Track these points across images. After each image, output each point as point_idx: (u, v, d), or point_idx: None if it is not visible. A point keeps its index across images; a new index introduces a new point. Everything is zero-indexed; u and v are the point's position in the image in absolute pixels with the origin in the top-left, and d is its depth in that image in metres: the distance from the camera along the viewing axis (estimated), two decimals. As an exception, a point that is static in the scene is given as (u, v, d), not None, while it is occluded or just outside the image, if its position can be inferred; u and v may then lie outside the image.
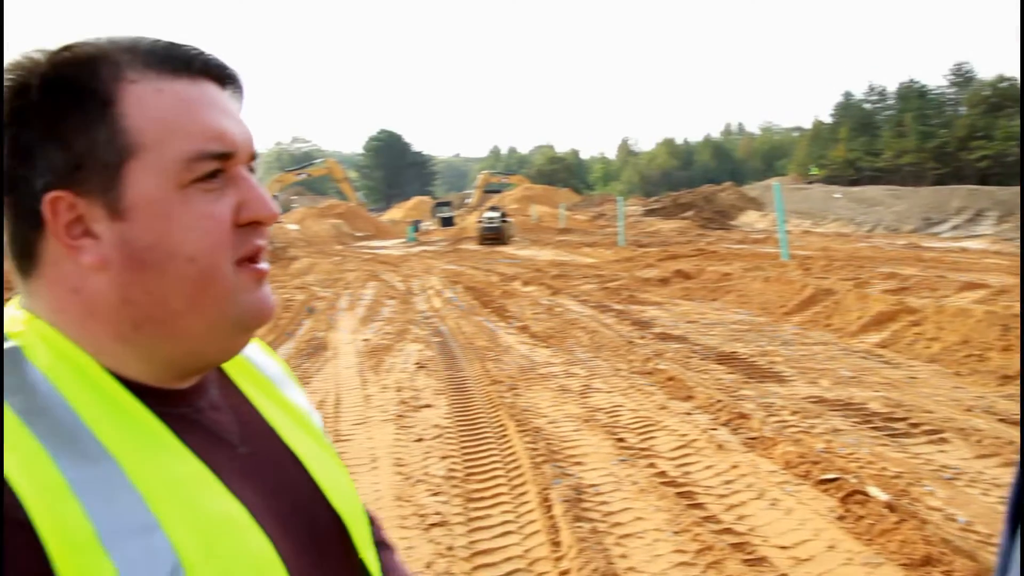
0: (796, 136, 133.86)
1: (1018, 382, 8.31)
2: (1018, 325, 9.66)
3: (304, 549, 0.87)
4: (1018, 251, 27.89)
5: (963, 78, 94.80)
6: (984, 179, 70.49)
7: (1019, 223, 30.80)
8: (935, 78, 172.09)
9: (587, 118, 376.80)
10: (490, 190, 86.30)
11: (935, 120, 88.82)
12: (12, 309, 0.84)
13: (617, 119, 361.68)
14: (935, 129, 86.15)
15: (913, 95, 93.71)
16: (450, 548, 4.63)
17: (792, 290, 14.26)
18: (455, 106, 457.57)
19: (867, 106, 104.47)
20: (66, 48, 0.79)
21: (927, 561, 4.17)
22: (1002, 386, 8.20)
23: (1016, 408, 7.35)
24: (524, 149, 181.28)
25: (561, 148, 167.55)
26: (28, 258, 0.82)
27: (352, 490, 1.01)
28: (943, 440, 6.39)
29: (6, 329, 0.81)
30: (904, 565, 4.20)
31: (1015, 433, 6.50)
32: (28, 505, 0.66)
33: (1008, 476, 5.51)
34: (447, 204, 67.05)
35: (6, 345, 0.78)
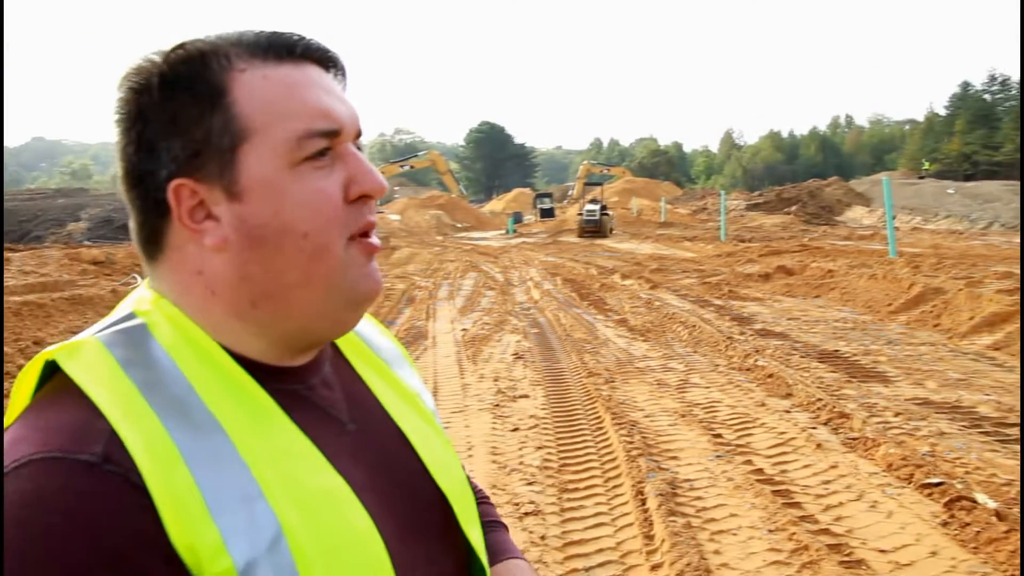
0: (907, 129, 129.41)
1: None
2: None
3: (406, 525, 0.90)
4: None
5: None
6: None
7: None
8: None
9: (690, 110, 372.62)
10: (591, 182, 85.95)
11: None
12: (142, 290, 0.92)
13: (721, 111, 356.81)
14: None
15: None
16: (543, 537, 4.68)
17: (899, 288, 13.86)
18: (557, 98, 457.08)
19: (987, 97, 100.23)
20: (179, 47, 0.85)
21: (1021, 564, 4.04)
22: (1123, 392, 7.84)
23: None
24: (626, 142, 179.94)
25: (663, 141, 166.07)
26: (155, 244, 0.89)
27: (458, 469, 1.05)
28: (1057, 447, 6.16)
29: (135, 307, 0.88)
30: None
31: None
32: (143, 470, 0.72)
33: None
34: (548, 196, 67.05)
35: (135, 322, 0.85)
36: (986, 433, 6.50)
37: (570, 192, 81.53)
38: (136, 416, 0.75)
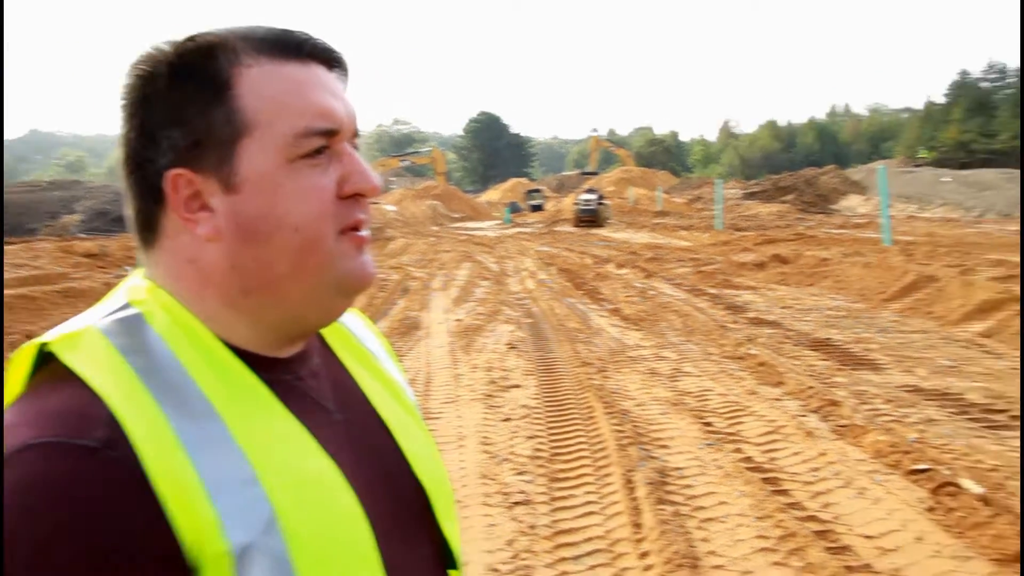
0: (906, 117, 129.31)
1: None
2: None
3: (389, 513, 0.92)
4: None
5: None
6: (1106, 163, 66.99)
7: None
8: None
9: (688, 100, 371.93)
10: (587, 172, 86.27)
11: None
12: (137, 279, 0.93)
13: (719, 101, 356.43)
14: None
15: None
16: (532, 527, 4.71)
17: (892, 276, 13.88)
18: (554, 88, 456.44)
19: (985, 85, 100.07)
20: (190, 39, 0.87)
21: (1020, 557, 4.07)
22: (1112, 379, 7.87)
23: None
24: (623, 131, 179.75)
25: (660, 130, 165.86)
26: (150, 231, 0.90)
27: (438, 463, 1.06)
28: (1045, 434, 6.18)
29: (130, 296, 0.89)
30: (996, 560, 4.10)
31: (1123, 428, 6.25)
32: (144, 455, 0.73)
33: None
34: (538, 191, 67.25)
35: (131, 311, 0.87)
36: (974, 420, 6.53)
37: (586, 170, 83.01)
38: (137, 403, 0.77)
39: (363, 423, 0.99)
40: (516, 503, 5.04)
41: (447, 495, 1.05)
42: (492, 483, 5.39)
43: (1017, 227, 32.58)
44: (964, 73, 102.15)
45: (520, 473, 5.57)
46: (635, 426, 6.43)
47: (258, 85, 0.87)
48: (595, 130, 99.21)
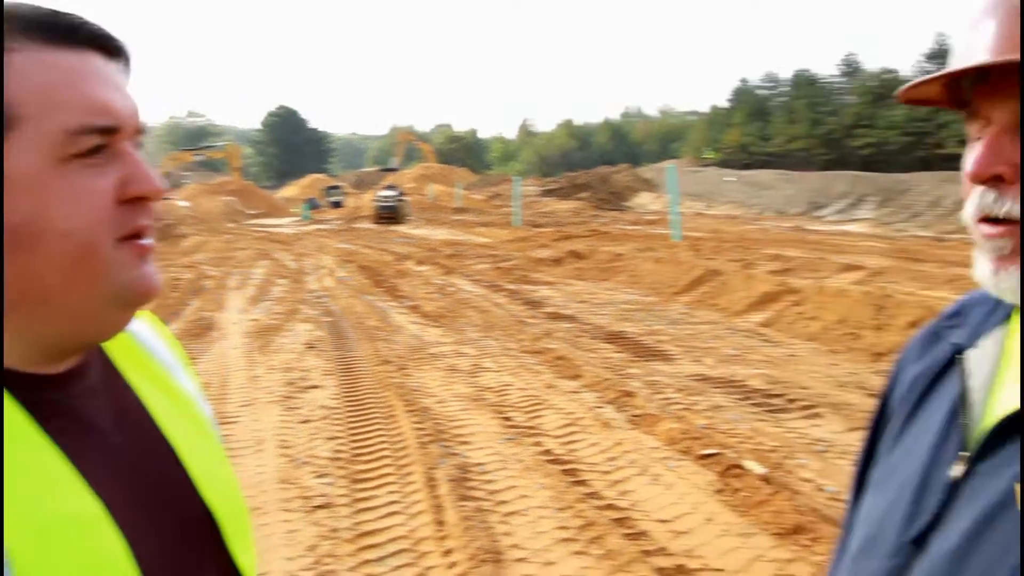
0: (693, 120, 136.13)
1: (889, 359, 8.67)
2: (890, 305, 10.08)
3: (169, 546, 0.83)
4: (893, 234, 29.07)
5: (851, 69, 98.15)
6: (867, 166, 73.34)
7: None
8: (826, 68, 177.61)
9: (487, 98, 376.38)
10: (386, 169, 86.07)
11: (824, 108, 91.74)
12: None
13: (518, 99, 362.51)
14: (824, 117, 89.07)
15: (805, 83, 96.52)
16: (334, 530, 4.60)
17: (682, 270, 14.56)
18: (354, 83, 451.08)
19: (761, 92, 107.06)
20: None
21: (797, 530, 4.34)
22: (874, 362, 8.56)
23: (883, 383, 7.67)
24: (423, 128, 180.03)
25: (460, 127, 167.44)
26: None
27: (231, 483, 0.96)
28: (817, 415, 6.64)
29: None
30: (776, 534, 4.36)
31: (884, 408, 6.79)
32: None
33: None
34: (337, 187, 66.47)
35: None
36: (756, 405, 6.93)
37: (391, 165, 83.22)
38: None
39: (144, 445, 0.89)
40: (317, 507, 4.92)
41: (240, 517, 0.95)
42: (292, 487, 5.23)
43: (791, 223, 35.01)
44: (744, 81, 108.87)
45: (321, 476, 5.44)
46: (436, 423, 6.42)
47: (24, 74, 0.75)
48: (407, 126, 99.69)
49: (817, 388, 7.46)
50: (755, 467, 5.25)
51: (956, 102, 0.89)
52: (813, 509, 4.59)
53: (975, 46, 0.84)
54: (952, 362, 1.02)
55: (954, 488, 0.90)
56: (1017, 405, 0.87)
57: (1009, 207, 0.83)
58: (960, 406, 0.95)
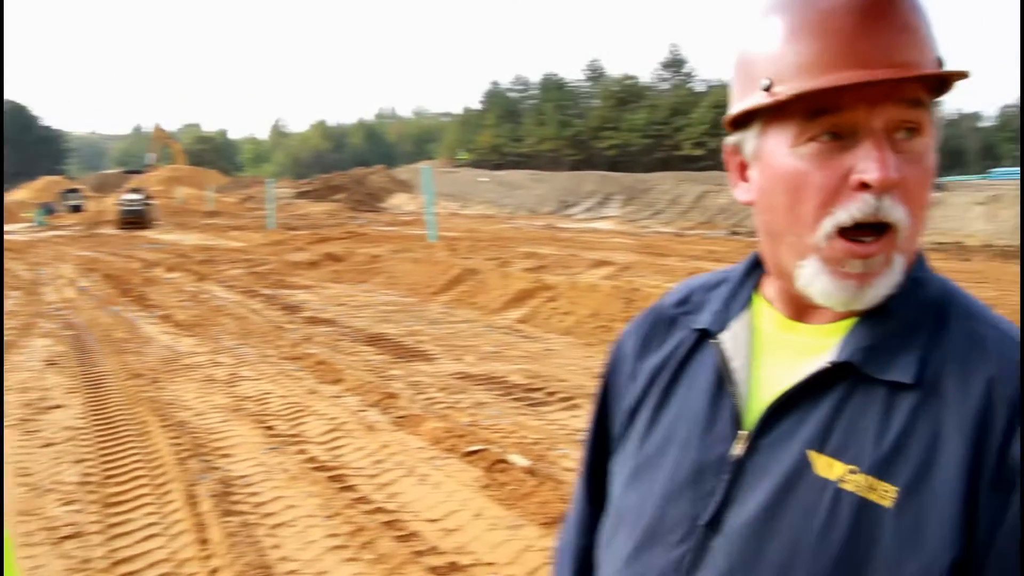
0: (446, 121, 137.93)
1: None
2: (639, 298, 10.68)
3: None
4: (639, 231, 30.77)
5: (596, 74, 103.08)
6: (612, 166, 77.34)
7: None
8: (572, 72, 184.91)
9: (238, 97, 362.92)
10: (131, 171, 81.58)
11: (572, 111, 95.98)
12: None
13: (270, 98, 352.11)
14: (572, 119, 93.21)
15: (553, 87, 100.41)
16: (86, 561, 4.31)
17: (439, 270, 14.74)
18: (93, 78, 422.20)
19: (512, 95, 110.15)
20: None
21: (563, 518, 4.52)
22: (624, 354, 9.03)
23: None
24: (169, 127, 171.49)
25: (209, 127, 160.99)
26: None
27: None
28: (575, 406, 6.93)
29: None
30: (543, 524, 4.52)
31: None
32: None
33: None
34: (76, 191, 62.05)
35: None
36: (517, 399, 7.15)
37: (148, 162, 79.18)
38: None
39: None
40: (65, 537, 4.59)
41: None
42: (34, 519, 4.85)
43: (543, 222, 36.23)
44: (495, 83, 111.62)
45: (68, 503, 5.07)
46: (194, 437, 6.16)
47: None
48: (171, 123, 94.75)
49: (574, 380, 7.79)
50: (519, 460, 5.42)
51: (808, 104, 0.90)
52: (575, 497, 4.79)
53: (832, 55, 0.87)
54: (697, 347, 1.09)
55: (738, 467, 0.96)
56: (786, 382, 0.96)
57: (898, 214, 0.87)
58: (726, 387, 1.01)
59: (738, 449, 0.96)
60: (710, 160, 74.71)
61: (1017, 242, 21.83)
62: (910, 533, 0.84)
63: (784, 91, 0.89)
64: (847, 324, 0.95)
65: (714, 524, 0.95)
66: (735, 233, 29.52)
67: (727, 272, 1.12)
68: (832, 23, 0.87)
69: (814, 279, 0.92)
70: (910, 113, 0.87)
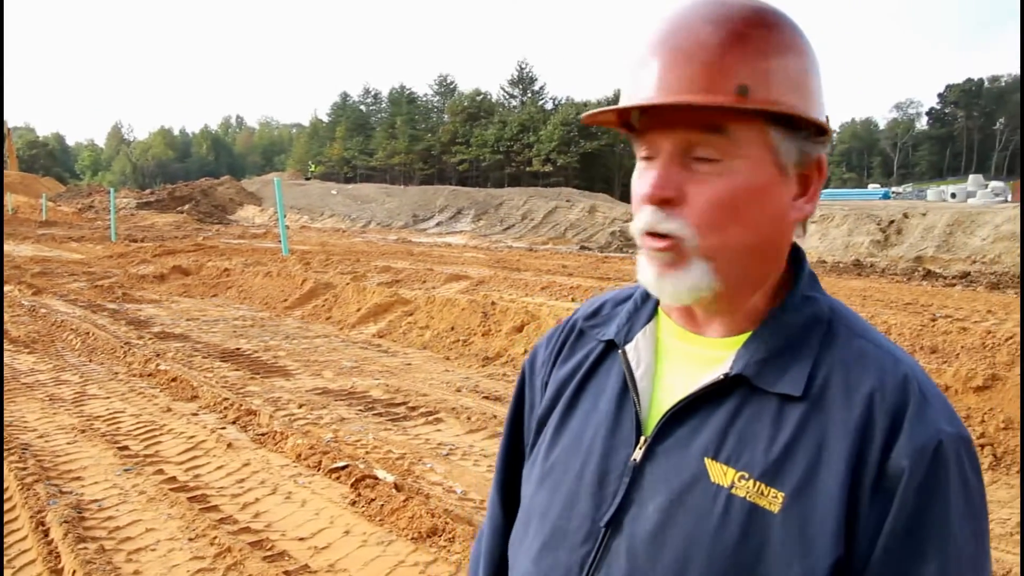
0: (295, 132, 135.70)
1: (498, 363, 9.28)
2: (495, 312, 10.78)
3: None
4: (491, 245, 31.01)
5: (446, 89, 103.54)
6: (463, 180, 77.96)
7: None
8: (422, 86, 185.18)
9: (73, 99, 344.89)
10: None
11: (423, 125, 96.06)
12: None
13: (109, 102, 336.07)
14: (423, 133, 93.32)
15: (404, 100, 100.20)
16: (-78, 592, 4.03)
17: (293, 284, 14.48)
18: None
19: (362, 108, 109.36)
20: None
21: (433, 532, 4.52)
22: (484, 367, 9.11)
23: (495, 385, 8.21)
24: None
25: (42, 131, 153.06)
26: None
27: None
28: (438, 420, 6.95)
29: None
30: (414, 539, 4.51)
31: (498, 408, 7.27)
32: None
33: (494, 447, 6.15)
34: None
35: None
36: (379, 414, 7.10)
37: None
38: None
39: None
40: None
41: None
42: None
43: (396, 236, 36.05)
44: (345, 95, 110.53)
45: (-101, 533, 4.72)
46: (40, 460, 5.83)
47: None
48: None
49: (435, 394, 7.80)
50: (386, 476, 5.38)
51: (626, 126, 1.03)
52: (446, 510, 4.80)
53: (642, 84, 0.97)
54: (604, 357, 1.15)
55: (638, 470, 1.02)
56: (684, 392, 1.02)
57: (671, 225, 0.97)
58: (629, 395, 1.07)
59: (638, 454, 1.02)
60: (559, 176, 76.25)
61: (846, 258, 23.19)
62: (796, 536, 0.90)
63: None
64: (742, 338, 1.02)
65: (614, 525, 1.01)
66: (585, 248, 30.16)
67: (636, 287, 1.18)
68: (640, 54, 0.98)
69: (642, 271, 1.03)
70: (702, 138, 0.96)
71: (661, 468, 1.00)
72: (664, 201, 0.97)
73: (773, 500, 0.92)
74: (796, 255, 1.07)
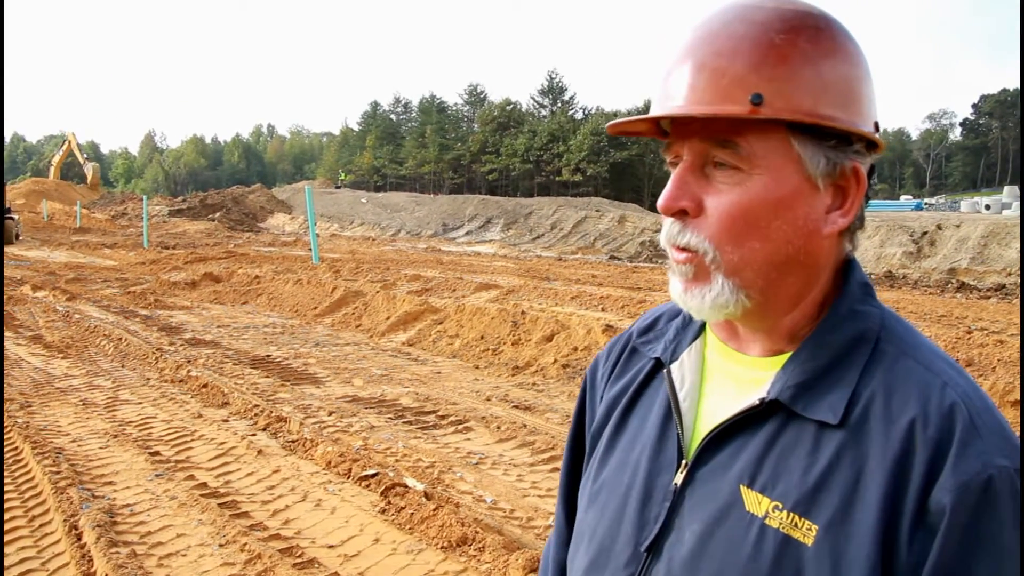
0: (326, 141, 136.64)
1: (528, 372, 9.25)
2: (525, 321, 10.76)
3: None
4: (521, 255, 31.02)
5: (477, 98, 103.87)
6: (492, 190, 78.17)
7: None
8: (452, 96, 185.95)
9: (109, 108, 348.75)
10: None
11: (453, 134, 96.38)
12: None
13: (142, 111, 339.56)
14: (452, 142, 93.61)
15: (433, 109, 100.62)
16: (-43, 595, 4.07)
17: (323, 292, 14.55)
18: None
19: (392, 117, 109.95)
20: None
21: (463, 541, 4.50)
22: (514, 376, 9.09)
23: (524, 394, 8.19)
24: (33, 138, 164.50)
25: (80, 139, 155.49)
26: None
27: None
28: (468, 428, 6.93)
29: None
30: (443, 548, 4.49)
31: (528, 418, 7.24)
32: None
33: (523, 456, 6.13)
34: None
35: None
36: (409, 422, 7.10)
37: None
38: None
39: None
40: (-67, 571, 4.31)
41: None
42: (-102, 551, 4.55)
43: (426, 244, 36.18)
44: (375, 104, 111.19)
45: (-66, 535, 4.77)
46: (73, 465, 5.88)
47: None
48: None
49: (465, 403, 7.78)
50: (415, 484, 5.37)
51: (661, 133, 1.01)
52: (476, 520, 4.78)
53: (668, 93, 0.96)
54: (653, 375, 1.13)
55: (678, 495, 1.00)
56: (725, 415, 0.99)
57: (689, 238, 0.95)
58: (673, 417, 1.05)
59: (679, 478, 1.00)
60: (589, 185, 76.19)
61: (877, 270, 22.97)
62: (829, 571, 0.87)
63: (608, 124, 1.04)
64: (782, 359, 0.99)
65: (655, 550, 0.99)
66: (614, 258, 30.09)
67: None
68: (667, 63, 0.97)
69: (671, 284, 1.01)
70: (717, 150, 0.94)
71: (699, 494, 0.98)
72: (679, 212, 0.96)
73: (807, 532, 0.89)
74: (847, 269, 1.02)
